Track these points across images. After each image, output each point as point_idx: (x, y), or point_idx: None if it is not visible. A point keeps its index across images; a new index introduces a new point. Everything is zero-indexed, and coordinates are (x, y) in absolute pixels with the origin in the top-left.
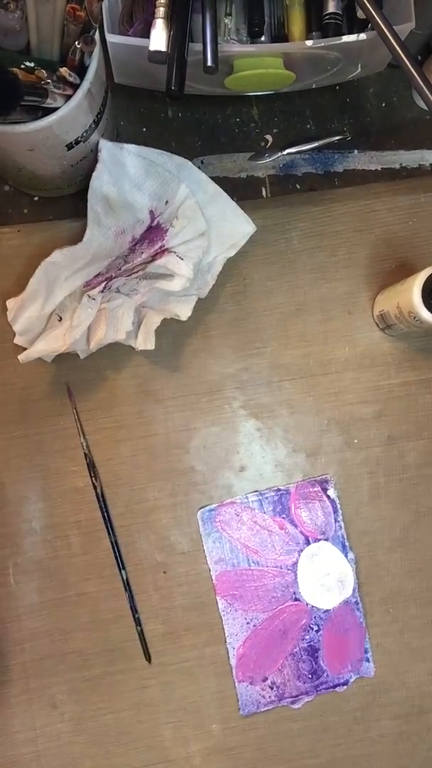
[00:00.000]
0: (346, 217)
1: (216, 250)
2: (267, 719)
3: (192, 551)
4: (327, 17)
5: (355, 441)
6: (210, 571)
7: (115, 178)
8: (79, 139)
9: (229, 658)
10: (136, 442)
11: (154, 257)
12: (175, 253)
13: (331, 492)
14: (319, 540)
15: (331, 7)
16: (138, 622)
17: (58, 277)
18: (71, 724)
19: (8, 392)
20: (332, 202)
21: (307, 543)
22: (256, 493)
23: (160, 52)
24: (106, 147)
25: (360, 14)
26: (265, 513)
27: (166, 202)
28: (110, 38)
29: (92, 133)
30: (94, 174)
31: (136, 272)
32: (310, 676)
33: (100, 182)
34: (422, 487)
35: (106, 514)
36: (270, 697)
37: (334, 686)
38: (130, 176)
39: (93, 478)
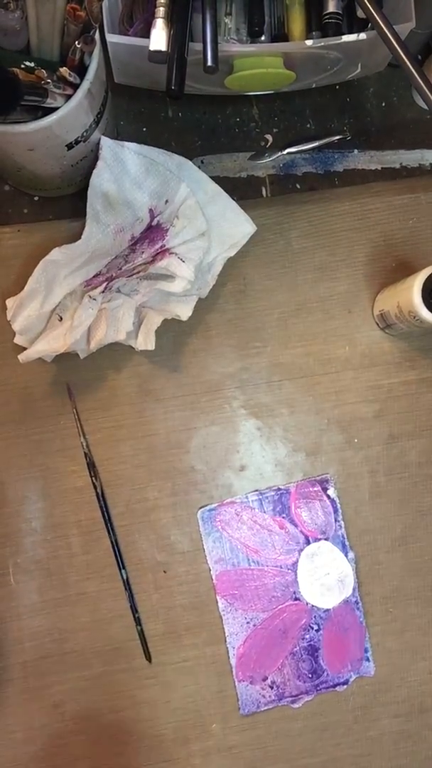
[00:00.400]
0: (346, 216)
1: (216, 250)
2: (267, 719)
3: (192, 551)
4: (327, 17)
5: (356, 440)
6: (210, 570)
7: (115, 175)
8: (79, 138)
9: (229, 657)
10: (136, 441)
11: (154, 257)
12: (176, 254)
13: (331, 491)
14: (319, 539)
15: (331, 7)
16: (138, 621)
17: (57, 276)
18: (71, 724)
19: (8, 392)
20: (332, 202)
21: (307, 542)
22: (256, 492)
23: (160, 52)
24: (108, 144)
25: (360, 14)
26: (265, 512)
27: (166, 201)
28: (110, 38)
29: (92, 133)
30: (95, 171)
31: (137, 273)
32: (310, 675)
33: (100, 179)
34: (423, 486)
35: (106, 513)
36: (270, 696)
37: (334, 685)
38: (131, 174)
39: (93, 478)
